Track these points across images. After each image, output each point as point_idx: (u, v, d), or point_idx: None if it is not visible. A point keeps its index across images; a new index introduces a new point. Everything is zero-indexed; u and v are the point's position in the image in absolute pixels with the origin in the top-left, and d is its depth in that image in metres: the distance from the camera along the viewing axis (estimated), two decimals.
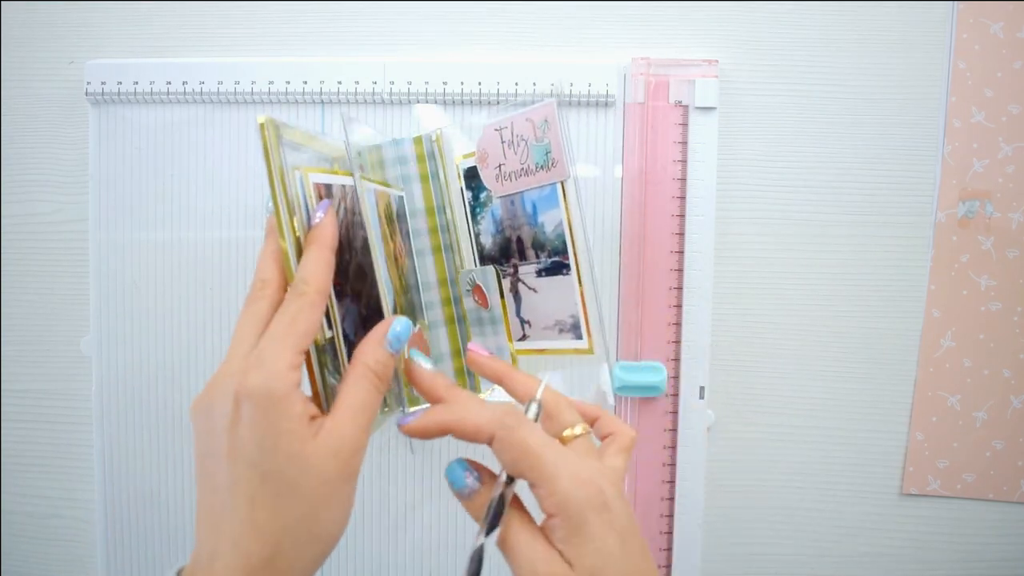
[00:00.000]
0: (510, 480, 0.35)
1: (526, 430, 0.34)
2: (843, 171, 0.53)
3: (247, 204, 0.53)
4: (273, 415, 0.32)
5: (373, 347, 0.36)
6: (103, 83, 0.52)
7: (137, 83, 0.52)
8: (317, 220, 0.37)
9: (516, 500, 0.36)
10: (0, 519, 0.56)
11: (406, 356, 0.39)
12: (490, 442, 0.34)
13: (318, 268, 0.35)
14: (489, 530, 0.34)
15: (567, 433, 0.37)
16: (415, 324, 0.49)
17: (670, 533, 0.54)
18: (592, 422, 0.40)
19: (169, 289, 0.53)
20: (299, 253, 0.36)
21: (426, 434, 0.36)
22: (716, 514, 0.55)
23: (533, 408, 0.37)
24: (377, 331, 0.37)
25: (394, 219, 0.46)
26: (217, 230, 0.53)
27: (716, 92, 0.52)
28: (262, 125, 0.36)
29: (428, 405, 0.37)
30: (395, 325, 0.36)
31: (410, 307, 0.48)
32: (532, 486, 0.34)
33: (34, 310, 0.55)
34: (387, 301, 0.40)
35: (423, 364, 0.38)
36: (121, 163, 0.53)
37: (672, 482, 0.54)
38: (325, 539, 0.33)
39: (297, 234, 0.36)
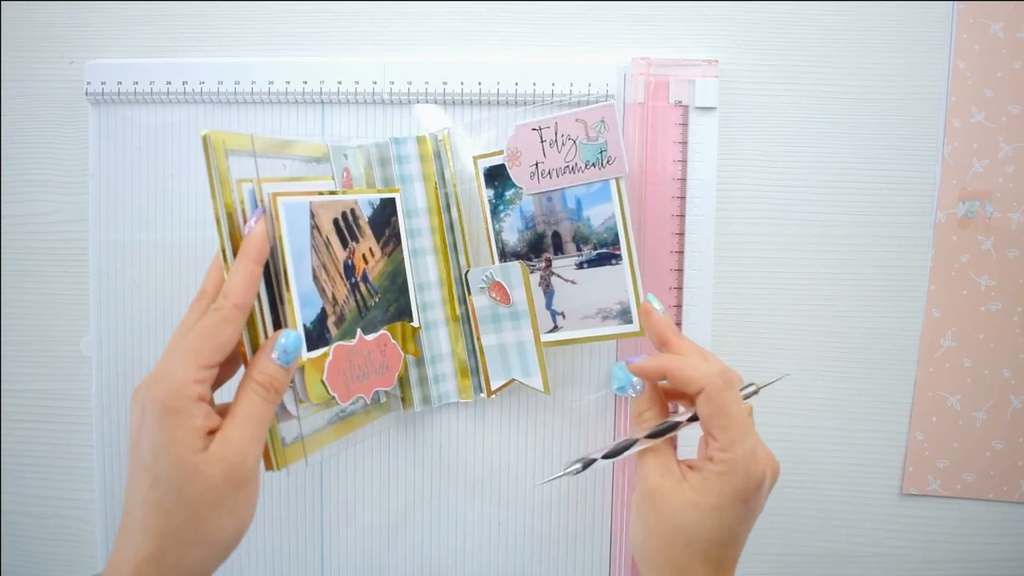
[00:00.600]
0: (693, 419, 0.42)
1: (731, 394, 0.40)
2: (843, 171, 0.53)
3: None
4: (167, 425, 0.34)
5: (262, 360, 0.38)
6: (103, 83, 0.52)
7: (137, 83, 0.52)
8: (247, 230, 0.38)
9: (673, 438, 0.43)
10: (0, 519, 0.56)
11: (299, 365, 0.40)
12: (697, 393, 0.40)
13: (240, 282, 0.37)
14: (653, 436, 0.42)
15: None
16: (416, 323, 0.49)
17: None
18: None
19: (169, 289, 0.53)
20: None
21: (647, 373, 0.43)
22: None
23: (749, 388, 0.43)
24: (267, 344, 0.38)
25: (350, 227, 0.46)
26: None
27: (716, 92, 0.52)
28: (204, 138, 0.38)
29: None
30: (282, 338, 0.38)
31: (398, 309, 0.48)
32: (709, 441, 0.40)
33: (34, 310, 0.55)
34: (295, 315, 0.40)
35: (657, 307, 0.46)
36: (121, 163, 0.53)
37: None
38: (214, 542, 0.35)
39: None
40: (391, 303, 0.48)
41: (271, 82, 0.52)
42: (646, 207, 0.52)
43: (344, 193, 0.45)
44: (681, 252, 0.53)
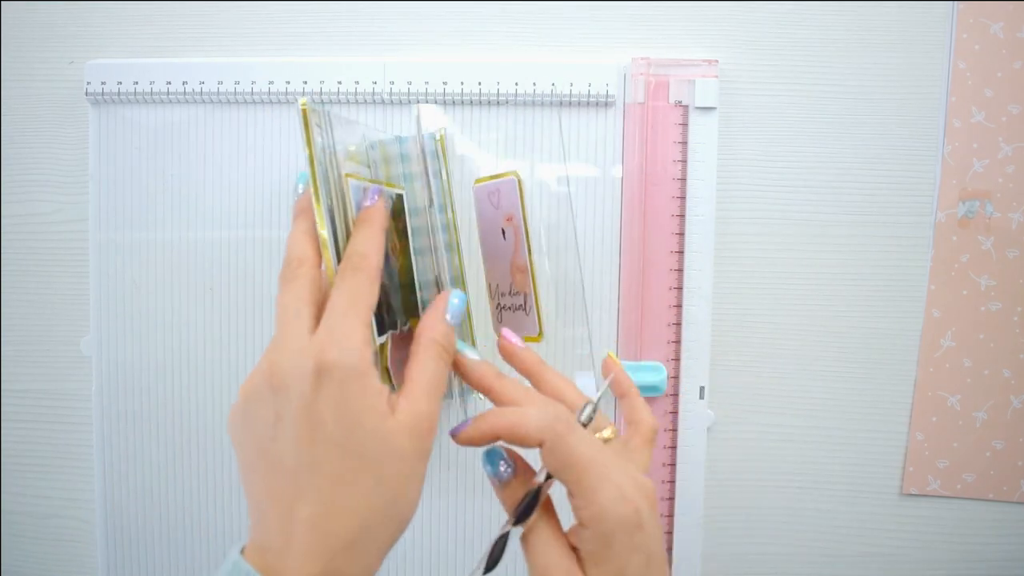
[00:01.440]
0: (549, 477, 0.35)
1: (575, 438, 0.33)
2: (843, 171, 0.53)
3: (248, 204, 0.53)
4: (355, 391, 0.31)
5: (436, 321, 0.35)
6: (103, 83, 0.52)
7: (137, 83, 0.52)
8: (368, 203, 0.37)
9: (547, 499, 0.35)
10: (0, 519, 0.56)
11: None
12: (540, 446, 0.33)
13: (373, 243, 0.35)
14: (518, 521, 0.34)
15: (596, 436, 0.37)
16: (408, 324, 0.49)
17: (670, 533, 0.54)
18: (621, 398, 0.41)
19: (169, 289, 0.53)
20: (338, 235, 0.36)
21: (480, 442, 0.35)
22: (716, 514, 0.55)
23: (587, 411, 0.37)
24: (438, 305, 0.36)
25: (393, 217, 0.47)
26: (217, 230, 0.53)
27: (716, 92, 0.52)
28: (304, 109, 0.35)
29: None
30: (453, 298, 0.36)
31: (408, 306, 0.48)
32: (570, 495, 0.33)
33: (34, 310, 0.55)
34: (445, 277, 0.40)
35: (469, 355, 0.37)
36: (121, 163, 0.53)
37: (672, 482, 0.54)
38: (401, 519, 0.32)
39: (335, 216, 0.36)
40: (405, 298, 0.48)
41: (271, 82, 0.52)
42: (646, 207, 0.52)
43: (388, 184, 0.45)
44: (681, 252, 0.53)
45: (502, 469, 0.36)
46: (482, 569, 0.34)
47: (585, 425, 0.36)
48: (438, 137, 0.51)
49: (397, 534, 0.32)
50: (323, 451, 0.31)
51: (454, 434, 0.35)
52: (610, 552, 0.33)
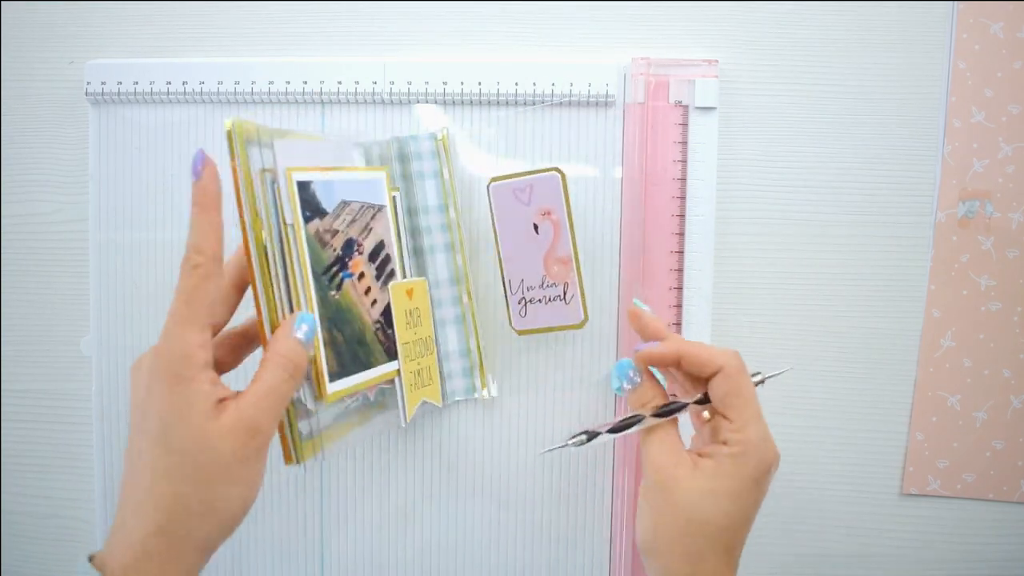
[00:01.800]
0: (704, 400, 0.42)
1: (746, 377, 0.40)
2: (843, 171, 0.53)
3: None
4: (178, 393, 0.33)
5: (284, 336, 0.37)
6: (103, 83, 0.52)
7: (137, 83, 0.52)
8: (195, 177, 0.35)
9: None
10: (0, 519, 0.56)
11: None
12: (713, 374, 0.40)
13: (208, 233, 0.35)
14: (664, 415, 0.42)
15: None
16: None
17: None
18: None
19: (169, 289, 0.53)
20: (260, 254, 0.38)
21: (662, 359, 0.42)
22: None
23: (756, 376, 0.43)
24: (287, 324, 0.38)
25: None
26: None
27: (716, 92, 0.52)
28: (229, 132, 0.38)
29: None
30: (302, 322, 0.38)
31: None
32: (724, 422, 0.40)
33: (34, 310, 0.55)
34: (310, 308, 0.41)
35: (644, 308, 0.45)
36: (121, 163, 0.53)
37: None
38: (222, 514, 0.34)
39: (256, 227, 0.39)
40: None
41: (271, 82, 0.52)
42: (646, 207, 0.52)
43: (339, 170, 0.45)
44: (681, 252, 0.53)
45: (631, 375, 0.43)
46: (607, 429, 0.42)
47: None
48: (440, 136, 0.51)
49: (217, 532, 0.35)
50: (147, 444, 0.34)
51: (639, 350, 0.43)
52: (736, 474, 0.38)
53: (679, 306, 0.53)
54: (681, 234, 0.53)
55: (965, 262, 0.54)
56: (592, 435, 0.43)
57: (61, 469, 0.56)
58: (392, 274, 0.48)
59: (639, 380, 0.43)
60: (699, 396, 0.42)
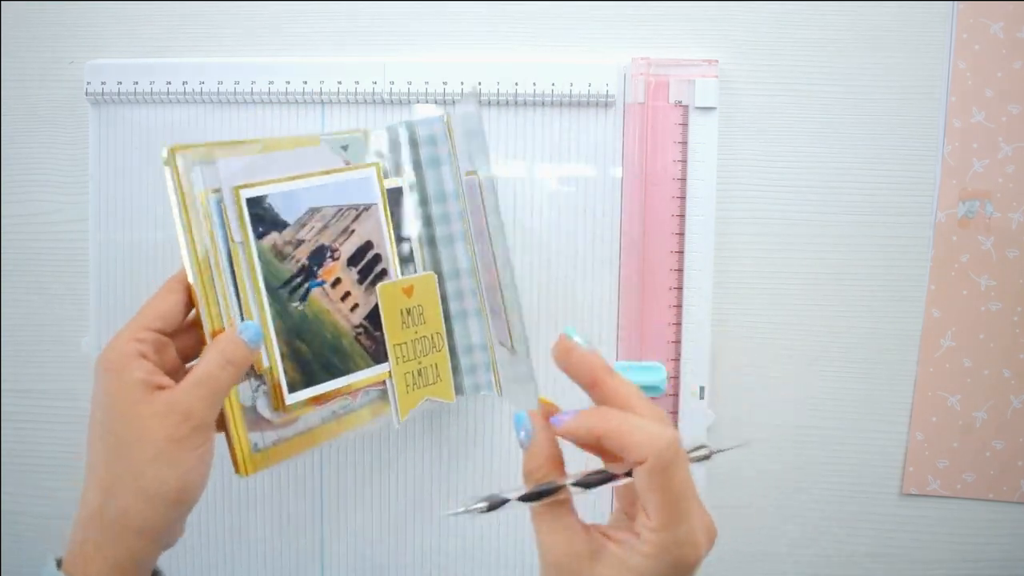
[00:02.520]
0: (630, 473, 0.33)
1: (678, 470, 0.32)
2: (843, 171, 0.53)
3: None
4: (111, 380, 0.37)
5: (226, 334, 0.40)
6: (103, 83, 0.52)
7: (137, 83, 0.52)
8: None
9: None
10: (0, 519, 0.56)
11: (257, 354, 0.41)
12: (638, 463, 0.32)
13: (186, 277, 0.41)
14: (588, 485, 0.34)
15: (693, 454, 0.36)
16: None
17: None
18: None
19: None
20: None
21: (576, 436, 0.34)
22: (716, 514, 0.55)
23: (701, 452, 0.35)
24: (231, 327, 0.40)
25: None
26: None
27: (716, 92, 0.52)
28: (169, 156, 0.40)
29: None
30: (245, 327, 0.40)
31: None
32: (642, 515, 0.32)
33: (34, 310, 0.55)
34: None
35: (578, 340, 0.34)
36: (121, 163, 0.53)
37: None
38: (153, 496, 0.36)
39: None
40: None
41: (271, 82, 0.52)
42: (646, 207, 0.52)
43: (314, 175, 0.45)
44: (681, 252, 0.53)
45: (522, 436, 0.35)
46: (516, 496, 0.34)
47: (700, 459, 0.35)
48: (445, 119, 0.49)
49: (152, 514, 0.36)
50: (92, 430, 0.37)
51: (555, 424, 0.34)
52: (654, 573, 0.32)
53: (679, 306, 0.53)
54: (681, 234, 0.53)
55: (965, 262, 0.54)
56: (498, 502, 0.34)
57: (61, 469, 0.56)
58: (384, 274, 0.47)
59: (528, 439, 0.34)
60: (627, 471, 0.33)
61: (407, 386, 0.48)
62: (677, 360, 0.53)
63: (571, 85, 0.52)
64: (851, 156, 0.53)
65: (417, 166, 0.49)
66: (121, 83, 0.52)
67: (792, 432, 0.55)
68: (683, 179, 0.52)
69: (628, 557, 0.32)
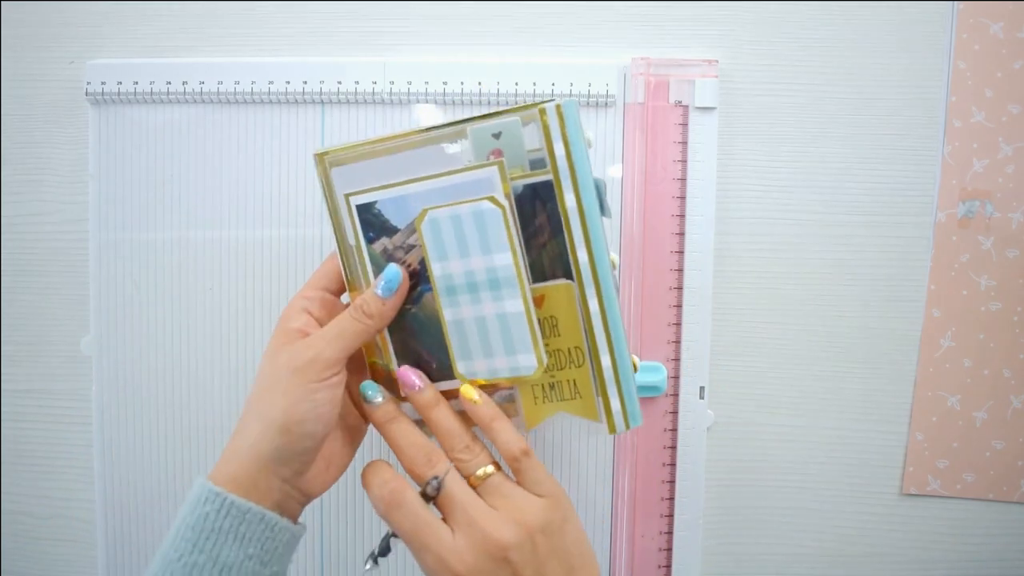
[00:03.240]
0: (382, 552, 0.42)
1: (400, 514, 0.40)
2: (843, 171, 0.53)
3: (248, 204, 0.53)
4: (277, 328, 0.42)
5: (365, 291, 0.43)
6: (103, 83, 0.52)
7: (137, 83, 0.52)
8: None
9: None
10: (0, 519, 0.56)
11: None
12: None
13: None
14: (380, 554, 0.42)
15: (480, 472, 0.41)
16: None
17: (670, 533, 0.54)
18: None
19: (169, 289, 0.53)
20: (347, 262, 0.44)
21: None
22: (716, 514, 0.55)
23: (432, 485, 0.40)
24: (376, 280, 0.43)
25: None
26: (217, 230, 0.53)
27: (716, 92, 0.52)
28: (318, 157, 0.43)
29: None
30: (387, 272, 0.42)
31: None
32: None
33: (34, 310, 0.55)
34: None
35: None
36: (121, 163, 0.53)
37: (672, 482, 0.54)
38: (266, 421, 0.39)
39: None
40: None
41: (271, 82, 0.52)
42: (646, 207, 0.52)
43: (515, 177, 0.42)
44: (681, 252, 0.53)
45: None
46: (377, 551, 0.42)
47: (430, 497, 0.40)
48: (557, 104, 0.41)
49: (262, 437, 0.39)
50: (257, 374, 0.41)
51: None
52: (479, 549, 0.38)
53: (679, 306, 0.53)
54: (681, 234, 0.53)
55: (965, 262, 0.54)
56: (372, 556, 0.42)
57: (61, 469, 0.56)
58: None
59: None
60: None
61: (534, 398, 0.44)
62: (677, 360, 0.53)
63: (571, 85, 0.52)
64: (851, 156, 0.53)
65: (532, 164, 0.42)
66: (121, 83, 0.52)
67: (792, 432, 0.55)
68: (683, 179, 0.52)
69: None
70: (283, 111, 0.53)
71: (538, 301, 0.43)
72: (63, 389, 0.55)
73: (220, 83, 0.52)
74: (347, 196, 0.43)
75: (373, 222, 0.43)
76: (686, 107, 0.52)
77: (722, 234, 0.53)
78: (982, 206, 0.53)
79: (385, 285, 0.42)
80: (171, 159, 0.53)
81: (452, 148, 0.42)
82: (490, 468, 0.41)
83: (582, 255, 0.42)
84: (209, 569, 0.37)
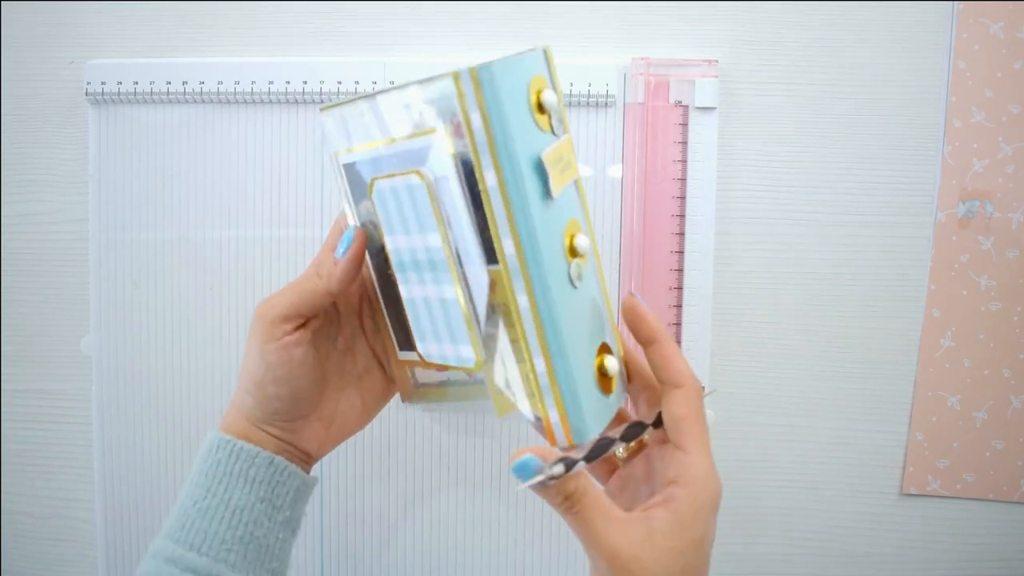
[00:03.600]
0: (657, 423, 0.37)
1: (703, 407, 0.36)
2: (843, 171, 0.53)
3: (248, 204, 0.53)
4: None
5: (323, 250, 0.41)
6: (103, 83, 0.52)
7: (137, 83, 0.52)
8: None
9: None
10: (0, 519, 0.56)
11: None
12: (676, 387, 0.36)
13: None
14: (631, 436, 0.36)
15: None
16: None
17: None
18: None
19: (169, 289, 0.53)
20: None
21: (643, 322, 0.37)
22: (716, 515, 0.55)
23: (573, 466, 0.33)
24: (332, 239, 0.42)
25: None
26: (217, 230, 0.53)
27: (716, 92, 0.52)
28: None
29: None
30: (345, 232, 0.40)
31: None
32: (676, 452, 0.35)
33: (34, 310, 0.55)
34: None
35: (643, 303, 0.37)
36: (121, 163, 0.53)
37: None
38: (245, 375, 0.39)
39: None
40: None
41: (271, 82, 0.52)
42: (646, 207, 0.52)
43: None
44: (681, 252, 0.53)
45: (543, 467, 0.33)
46: (583, 456, 0.34)
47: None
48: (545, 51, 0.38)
49: (244, 391, 0.40)
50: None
51: (638, 298, 0.38)
52: (695, 518, 0.33)
53: (679, 306, 0.53)
54: (681, 234, 0.53)
55: (965, 262, 0.54)
56: (571, 463, 0.33)
57: (61, 469, 0.56)
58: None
59: (558, 470, 0.33)
60: (655, 417, 0.36)
61: (499, 388, 0.39)
62: None
63: (571, 85, 0.52)
64: (851, 156, 0.53)
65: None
66: (121, 83, 0.52)
67: (792, 432, 0.55)
68: (683, 179, 0.52)
69: (676, 510, 0.33)
70: (283, 111, 0.53)
71: (492, 285, 0.36)
72: (63, 389, 0.55)
73: (220, 83, 0.52)
74: (336, 153, 0.40)
75: (357, 182, 0.40)
76: (686, 107, 0.52)
77: (722, 234, 0.53)
78: (982, 206, 0.53)
79: (340, 246, 0.40)
80: (171, 159, 0.53)
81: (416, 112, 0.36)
82: (621, 450, 0.39)
83: (507, 243, 0.33)
84: (222, 512, 0.38)
